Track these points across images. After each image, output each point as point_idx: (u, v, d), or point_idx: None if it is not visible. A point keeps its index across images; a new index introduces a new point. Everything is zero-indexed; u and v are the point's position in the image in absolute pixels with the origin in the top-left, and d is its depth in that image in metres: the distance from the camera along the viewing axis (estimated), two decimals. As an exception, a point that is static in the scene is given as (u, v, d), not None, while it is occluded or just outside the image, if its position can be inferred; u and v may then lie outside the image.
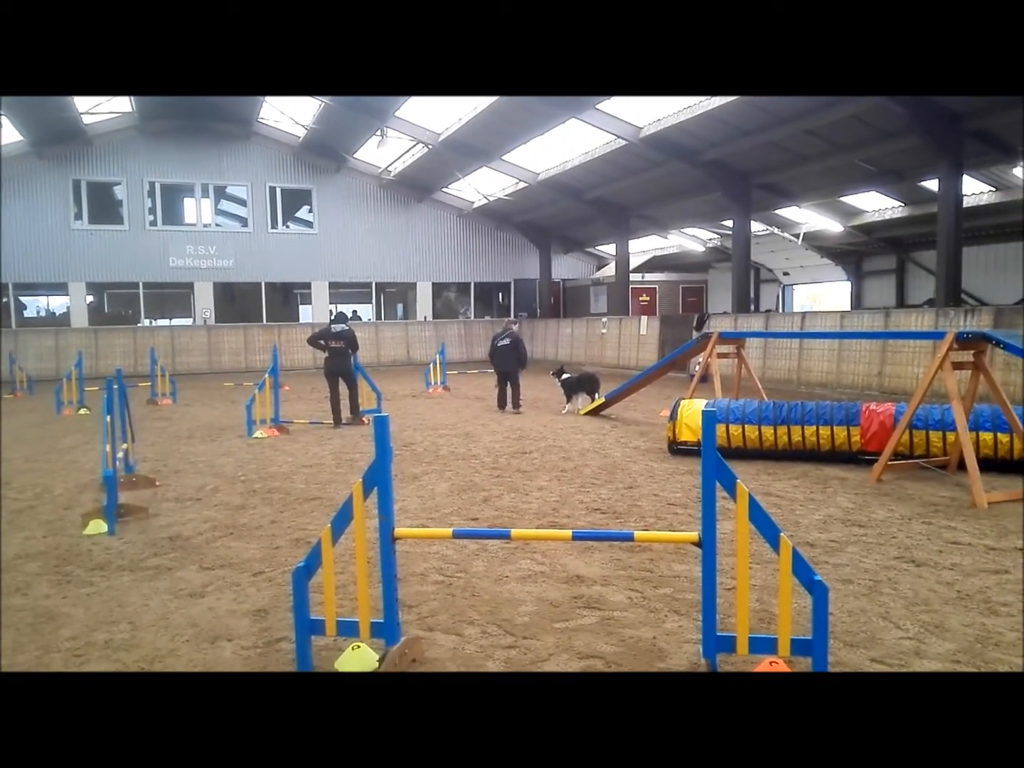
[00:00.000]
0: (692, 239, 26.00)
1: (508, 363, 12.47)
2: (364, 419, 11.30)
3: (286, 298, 26.98)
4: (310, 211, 25.52)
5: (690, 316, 20.31)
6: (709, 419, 3.19)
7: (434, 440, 9.71)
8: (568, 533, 3.40)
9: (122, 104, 20.80)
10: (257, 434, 10.33)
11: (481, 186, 23.90)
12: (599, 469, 7.72)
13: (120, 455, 6.77)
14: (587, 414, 11.72)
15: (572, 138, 18.76)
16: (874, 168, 16.46)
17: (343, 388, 11.30)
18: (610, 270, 25.91)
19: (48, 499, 6.97)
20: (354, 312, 26.21)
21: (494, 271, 27.83)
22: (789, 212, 21.44)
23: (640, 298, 25.84)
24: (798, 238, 22.05)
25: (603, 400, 11.62)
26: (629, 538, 3.37)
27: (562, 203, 23.22)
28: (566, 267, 28.74)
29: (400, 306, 28.94)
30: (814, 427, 7.84)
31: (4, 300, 22.93)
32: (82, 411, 13.55)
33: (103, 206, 23.25)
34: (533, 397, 14.69)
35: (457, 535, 3.58)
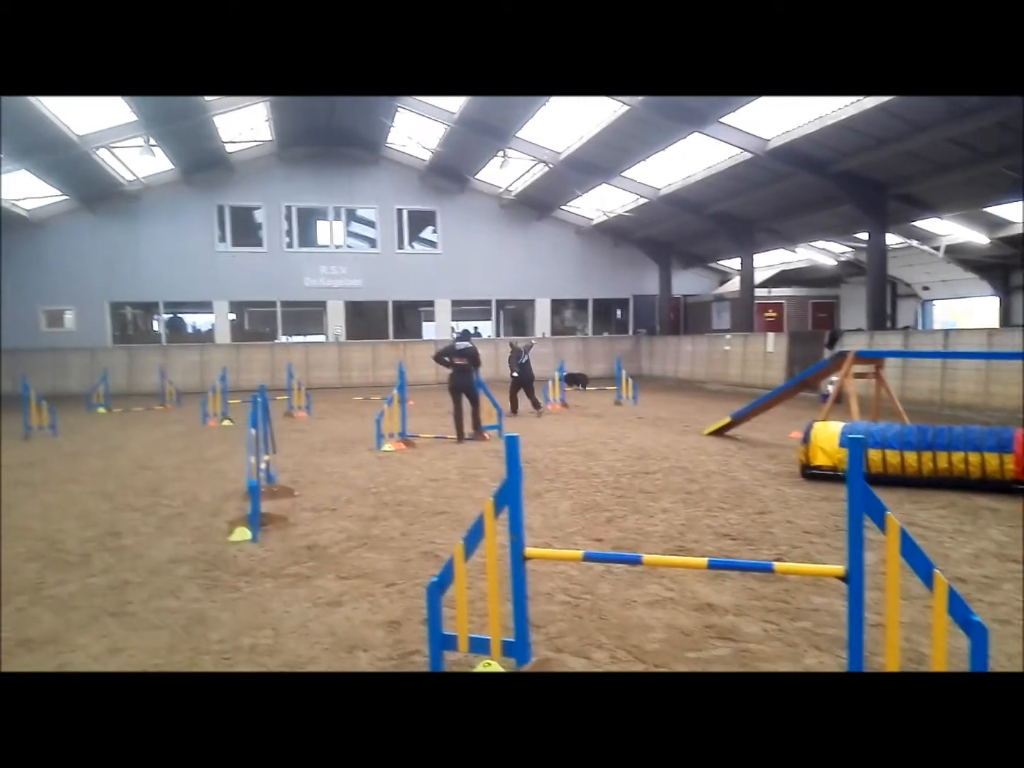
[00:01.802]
0: (823, 253, 24.95)
1: (531, 376, 15.22)
2: (486, 435, 11.48)
3: (411, 315, 27.84)
4: (434, 231, 26.29)
5: (820, 333, 19.44)
6: (855, 446, 3.04)
7: (554, 457, 9.73)
8: (703, 561, 3.30)
9: (262, 133, 22.17)
10: (386, 447, 10.68)
11: (600, 203, 23.89)
12: (726, 492, 7.50)
13: (263, 466, 7.16)
14: (711, 434, 11.42)
15: (694, 152, 18.46)
16: (1022, 176, 15.28)
17: (466, 404, 11.53)
18: (734, 285, 25.25)
19: (196, 506, 7.45)
20: (475, 329, 26.74)
21: (612, 287, 27.70)
22: (929, 224, 20.20)
23: (766, 314, 25.01)
24: (939, 251, 20.75)
25: (729, 420, 11.29)
26: (768, 569, 3.25)
27: (683, 218, 22.86)
28: (687, 283, 28.22)
29: (519, 323, 29.26)
30: (962, 453, 7.32)
31: (155, 318, 24.86)
32: (225, 422, 14.45)
33: (244, 229, 24.83)
34: (653, 416, 14.50)
35: (588, 558, 3.56)
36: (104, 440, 12.66)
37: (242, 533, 6.18)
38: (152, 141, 18.60)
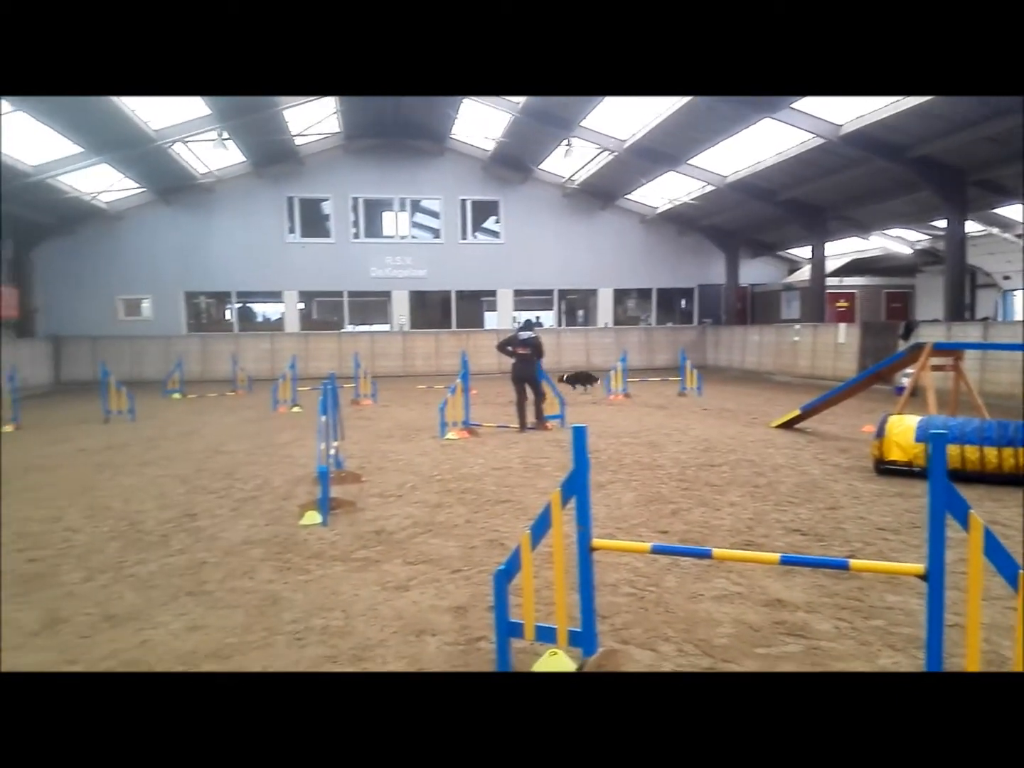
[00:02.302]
0: (897, 241, 24.10)
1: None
2: (548, 424, 11.49)
3: (473, 305, 28.01)
4: (497, 221, 26.36)
5: (895, 324, 18.81)
6: (939, 441, 2.94)
7: (617, 448, 9.67)
8: (775, 556, 3.23)
9: (330, 126, 22.55)
10: (449, 435, 10.79)
11: (665, 191, 23.56)
12: (796, 486, 7.34)
13: (332, 452, 7.32)
14: (780, 427, 11.19)
15: (764, 138, 18.02)
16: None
17: (528, 393, 11.55)
18: (803, 274, 24.62)
19: (268, 490, 7.67)
20: (537, 318, 26.75)
21: (677, 277, 27.32)
22: (1010, 211, 19.29)
23: (837, 304, 24.30)
24: (1021, 239, 19.82)
25: (798, 412, 11.04)
26: (844, 566, 3.17)
27: (751, 205, 22.35)
28: (754, 271, 27.61)
29: (581, 312, 29.14)
30: (1047, 450, 7.01)
31: (227, 307, 25.61)
32: (295, 409, 14.82)
33: (313, 221, 25.31)
34: (719, 407, 14.28)
35: (656, 550, 3.53)
36: (180, 425, 13.13)
37: (312, 517, 6.34)
38: (225, 135, 19.10)
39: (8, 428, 12.76)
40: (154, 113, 17.57)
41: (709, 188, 22.02)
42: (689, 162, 20.60)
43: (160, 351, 23.51)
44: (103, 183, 20.99)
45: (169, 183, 22.56)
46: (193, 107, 17.81)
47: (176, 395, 18.20)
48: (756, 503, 6.71)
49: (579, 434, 3.42)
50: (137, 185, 22.08)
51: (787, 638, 3.86)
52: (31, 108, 14.86)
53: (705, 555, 3.39)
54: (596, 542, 3.46)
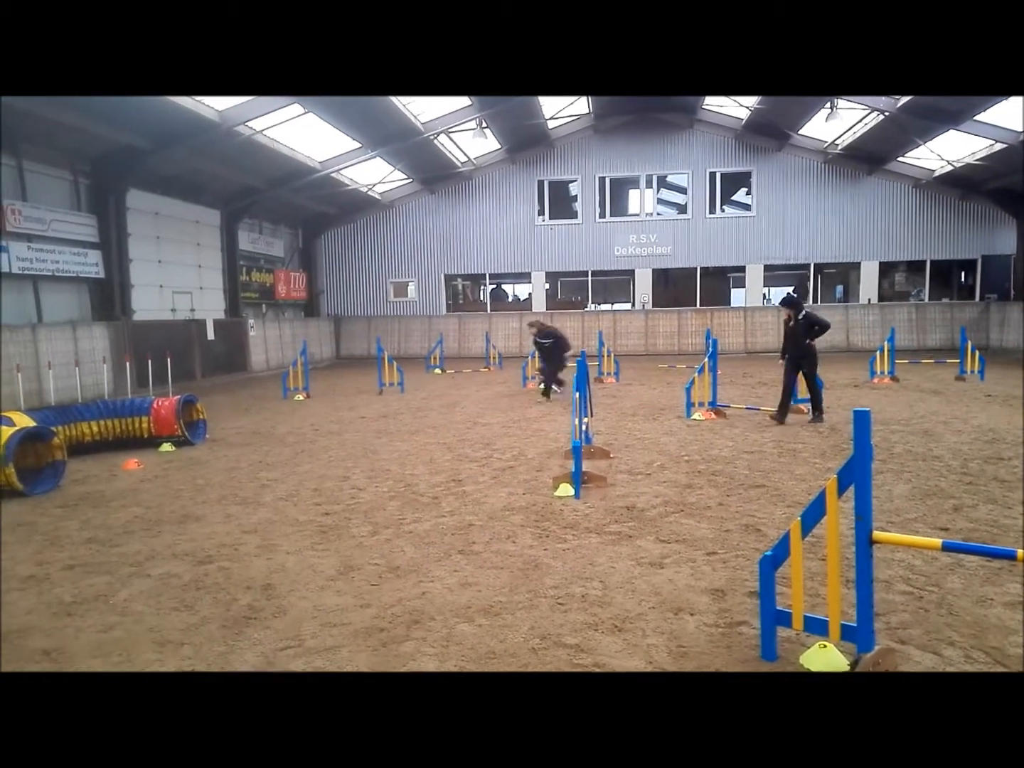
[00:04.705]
0: None
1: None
2: (803, 407, 10.86)
3: (719, 282, 27.11)
4: (747, 193, 25.23)
5: None
6: None
7: (885, 436, 8.91)
8: (1097, 564, 2.84)
9: (580, 107, 22.85)
10: (695, 416, 10.62)
11: (945, 151, 21.05)
12: (1112, 488, 6.33)
13: (583, 428, 7.53)
14: (1087, 419, 9.66)
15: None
16: None
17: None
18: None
19: (523, 461, 8.07)
20: (799, 287, 25.31)
21: (956, 247, 24.39)
22: None
23: None
24: None
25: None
26: None
27: (1054, 164, 19.30)
28: (1055, 240, 23.87)
29: (840, 288, 27.07)
30: None
31: (481, 288, 27.10)
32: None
33: (560, 202, 25.92)
34: (1005, 394, 12.62)
35: (947, 548, 3.23)
36: (442, 397, 14.20)
37: (565, 489, 6.58)
38: (483, 123, 20.12)
39: (300, 397, 14.60)
40: (423, 107, 18.93)
41: (999, 146, 19.32)
42: (976, 118, 18.22)
43: (423, 329, 25.54)
44: (377, 175, 23.05)
45: (433, 172, 24.24)
46: (456, 98, 18.92)
47: (437, 370, 19.67)
48: (1060, 504, 5.89)
49: (862, 419, 3.21)
50: (405, 176, 23.99)
51: (1106, 659, 3.38)
52: (319, 109, 16.68)
53: (1008, 556, 3.03)
54: (877, 535, 3.25)
